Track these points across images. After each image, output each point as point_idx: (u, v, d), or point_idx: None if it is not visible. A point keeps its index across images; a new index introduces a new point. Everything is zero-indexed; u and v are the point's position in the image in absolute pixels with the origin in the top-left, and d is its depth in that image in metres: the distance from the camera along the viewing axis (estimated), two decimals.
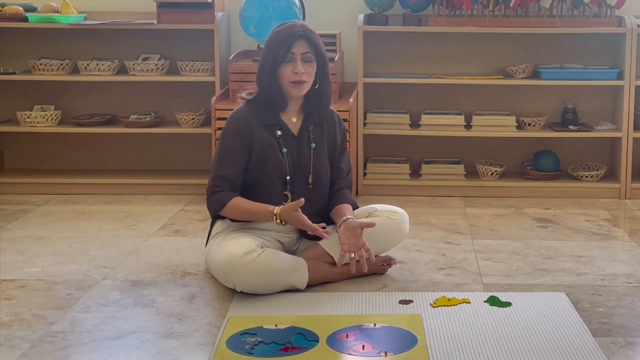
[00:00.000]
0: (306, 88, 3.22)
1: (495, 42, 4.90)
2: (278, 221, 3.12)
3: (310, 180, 3.28)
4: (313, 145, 3.28)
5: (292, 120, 3.29)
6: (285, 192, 3.25)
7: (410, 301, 3.03)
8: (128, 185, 4.79)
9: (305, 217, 3.10)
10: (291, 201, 3.24)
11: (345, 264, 3.21)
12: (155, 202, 4.60)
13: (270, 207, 3.14)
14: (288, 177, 3.24)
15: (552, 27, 4.67)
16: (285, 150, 3.24)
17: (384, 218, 3.31)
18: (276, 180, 3.23)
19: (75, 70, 4.91)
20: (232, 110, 3.33)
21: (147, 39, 4.97)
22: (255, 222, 3.23)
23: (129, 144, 5.06)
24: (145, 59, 4.91)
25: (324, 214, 3.33)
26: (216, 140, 4.42)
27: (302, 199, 3.10)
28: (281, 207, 3.12)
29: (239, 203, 3.18)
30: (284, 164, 3.23)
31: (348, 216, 3.20)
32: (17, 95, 5.01)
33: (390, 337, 2.70)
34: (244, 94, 3.32)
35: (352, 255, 3.11)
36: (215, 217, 3.31)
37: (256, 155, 3.21)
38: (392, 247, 3.40)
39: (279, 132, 3.24)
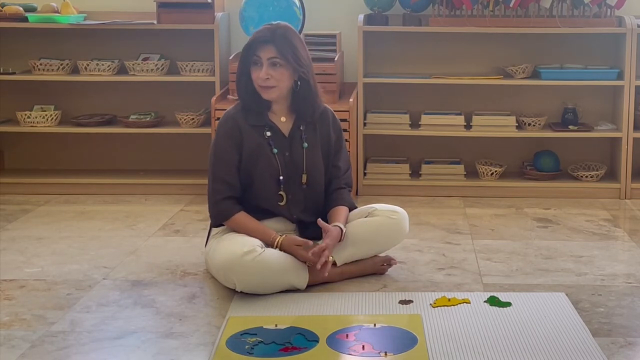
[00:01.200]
0: (277, 92, 3.21)
1: (495, 42, 4.90)
2: (277, 249, 3.13)
3: (304, 180, 3.28)
4: (305, 144, 3.28)
5: (282, 120, 3.29)
6: (280, 193, 3.25)
7: (410, 301, 3.03)
8: (128, 185, 4.79)
9: (304, 253, 3.10)
10: (286, 201, 3.24)
11: (346, 263, 3.23)
12: (155, 202, 4.60)
13: (273, 234, 3.15)
14: (281, 177, 3.24)
15: (552, 27, 4.67)
16: (276, 150, 3.23)
17: (383, 218, 3.31)
18: (269, 180, 3.23)
19: (75, 70, 4.91)
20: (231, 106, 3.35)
21: (147, 39, 4.97)
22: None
23: (129, 144, 5.06)
24: (145, 59, 4.91)
25: (322, 213, 3.32)
26: None
27: (311, 242, 3.11)
28: (284, 237, 3.13)
29: (243, 220, 3.19)
30: (275, 165, 3.22)
31: (335, 223, 3.21)
32: (17, 95, 5.01)
33: (390, 337, 2.70)
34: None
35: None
36: None
37: (247, 155, 3.21)
38: (392, 247, 3.39)
39: (268, 133, 3.24)
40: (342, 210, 3.30)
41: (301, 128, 3.29)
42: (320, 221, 3.17)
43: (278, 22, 3.30)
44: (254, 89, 3.22)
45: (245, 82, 3.23)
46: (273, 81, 3.18)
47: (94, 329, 2.80)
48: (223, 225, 3.24)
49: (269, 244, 3.14)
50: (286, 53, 3.17)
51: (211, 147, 3.29)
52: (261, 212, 3.24)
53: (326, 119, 3.35)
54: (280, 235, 3.15)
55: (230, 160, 3.21)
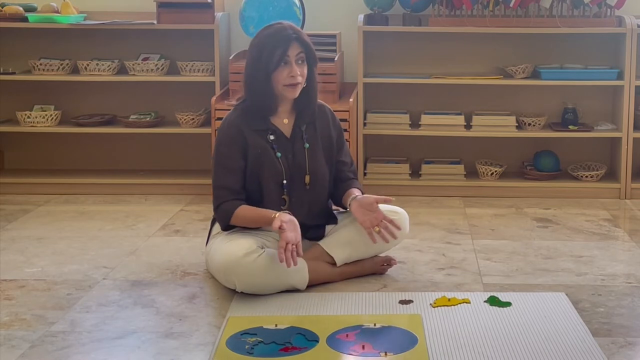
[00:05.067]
0: (300, 89, 3.21)
1: (495, 42, 4.90)
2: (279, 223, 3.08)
3: (307, 181, 3.27)
4: (307, 145, 3.27)
5: (284, 122, 3.27)
6: (283, 196, 3.24)
7: (410, 301, 3.03)
8: (128, 185, 4.79)
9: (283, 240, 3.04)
10: (289, 205, 3.23)
11: (346, 263, 3.23)
12: (155, 202, 4.60)
13: (272, 212, 3.12)
14: (285, 181, 3.23)
15: (552, 27, 4.67)
16: (279, 154, 3.22)
17: None
18: (273, 185, 3.21)
19: (75, 70, 4.91)
20: (229, 112, 3.32)
21: (147, 39, 4.97)
22: None
23: (129, 144, 5.06)
24: (145, 59, 4.91)
25: (323, 215, 3.32)
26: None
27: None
28: (280, 214, 3.10)
29: (244, 212, 3.16)
30: (279, 168, 3.21)
31: (356, 194, 3.21)
32: (17, 95, 5.01)
33: (390, 337, 2.70)
34: (234, 101, 3.31)
35: (377, 229, 3.14)
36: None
37: (251, 161, 3.19)
38: (392, 247, 3.39)
39: (271, 137, 3.22)
40: (358, 189, 3.31)
41: (302, 128, 3.28)
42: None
43: (281, 20, 3.29)
44: (272, 89, 3.19)
45: (263, 83, 3.17)
46: (300, 78, 3.17)
47: (94, 329, 2.80)
48: (231, 227, 3.20)
49: (270, 223, 3.08)
50: (309, 49, 3.19)
51: (214, 155, 3.24)
52: None
53: (325, 116, 3.34)
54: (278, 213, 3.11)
55: (234, 167, 3.18)
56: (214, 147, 3.26)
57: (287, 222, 3.03)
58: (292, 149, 3.25)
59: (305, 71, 3.19)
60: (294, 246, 3.01)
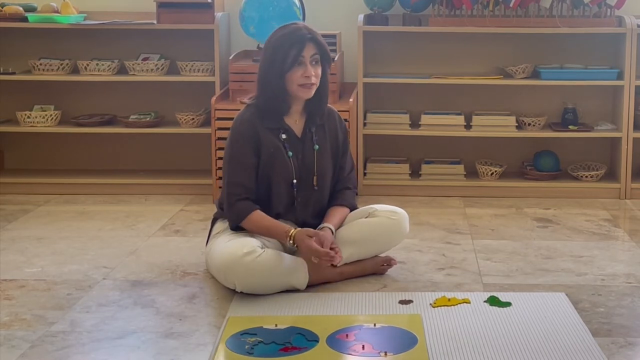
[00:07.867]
0: (314, 90, 3.21)
1: (495, 42, 4.90)
2: (291, 242, 3.11)
3: (315, 182, 3.28)
4: (316, 147, 3.28)
5: (295, 122, 3.28)
6: (292, 195, 3.24)
7: (410, 301, 3.03)
8: (128, 185, 4.79)
9: (316, 245, 3.06)
10: (296, 204, 3.24)
11: (346, 263, 3.23)
12: (155, 202, 4.60)
13: (287, 227, 3.14)
14: (294, 181, 3.23)
15: (552, 27, 4.67)
16: (290, 153, 3.23)
17: (384, 218, 3.31)
18: (283, 184, 3.22)
19: (75, 70, 4.91)
20: (234, 110, 3.33)
21: (147, 39, 4.97)
22: None
23: (129, 144, 5.06)
24: (145, 59, 4.90)
25: (323, 214, 3.31)
26: (216, 140, 4.42)
27: (326, 236, 3.09)
28: (297, 230, 3.11)
29: (258, 218, 3.16)
30: (290, 168, 3.22)
31: (324, 224, 3.21)
32: (17, 95, 5.01)
33: (390, 337, 2.70)
34: (246, 99, 3.31)
35: (316, 260, 3.08)
36: (216, 217, 3.32)
37: (264, 159, 3.20)
38: (392, 247, 3.39)
39: (283, 136, 3.23)
40: (340, 210, 3.30)
41: (312, 130, 3.28)
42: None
43: (295, 21, 3.29)
44: (285, 89, 3.18)
45: (277, 83, 3.17)
46: (314, 78, 3.18)
47: (94, 329, 2.80)
48: (240, 226, 3.19)
49: (282, 238, 3.13)
50: (323, 50, 3.19)
51: (227, 152, 3.24)
52: (270, 215, 3.22)
53: (333, 120, 3.35)
54: (294, 229, 3.14)
55: (248, 164, 3.18)
56: (227, 143, 3.26)
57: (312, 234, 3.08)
58: (302, 149, 3.26)
59: (320, 72, 3.20)
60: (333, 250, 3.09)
